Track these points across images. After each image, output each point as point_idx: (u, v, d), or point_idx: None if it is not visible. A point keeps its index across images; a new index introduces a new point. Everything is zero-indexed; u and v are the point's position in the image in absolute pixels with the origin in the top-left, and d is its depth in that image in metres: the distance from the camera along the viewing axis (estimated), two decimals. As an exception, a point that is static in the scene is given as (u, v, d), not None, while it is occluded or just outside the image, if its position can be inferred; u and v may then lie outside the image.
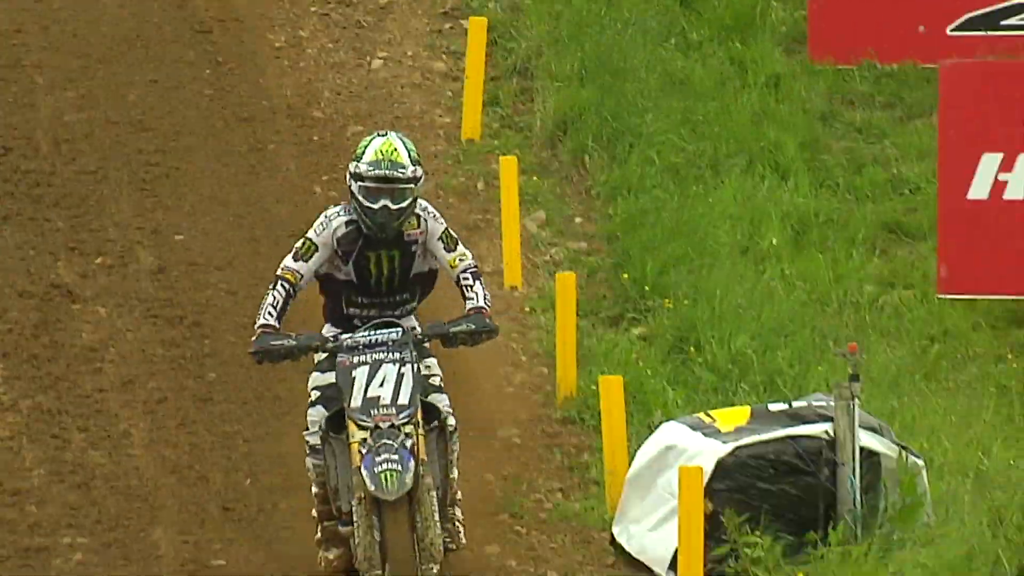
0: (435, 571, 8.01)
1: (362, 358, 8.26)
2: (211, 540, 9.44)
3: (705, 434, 9.08)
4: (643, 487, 9.21)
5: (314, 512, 8.79)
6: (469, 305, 8.55)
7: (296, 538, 9.28)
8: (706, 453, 8.82)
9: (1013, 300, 14.93)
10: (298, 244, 8.55)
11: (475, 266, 8.78)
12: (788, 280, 14.38)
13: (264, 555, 9.30)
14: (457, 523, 8.77)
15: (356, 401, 8.12)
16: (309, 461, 8.71)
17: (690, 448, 8.94)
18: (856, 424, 8.77)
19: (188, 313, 12.89)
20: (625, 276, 13.97)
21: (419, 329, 8.55)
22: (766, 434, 9.15)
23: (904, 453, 9.40)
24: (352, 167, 8.39)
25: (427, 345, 8.79)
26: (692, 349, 12.64)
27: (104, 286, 13.42)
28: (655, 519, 8.94)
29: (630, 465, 9.50)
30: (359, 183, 8.31)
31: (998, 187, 14.68)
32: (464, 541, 8.83)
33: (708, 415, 9.46)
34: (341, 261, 8.38)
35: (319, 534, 8.79)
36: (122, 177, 15.27)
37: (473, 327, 8.49)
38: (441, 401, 8.69)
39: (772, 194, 15.98)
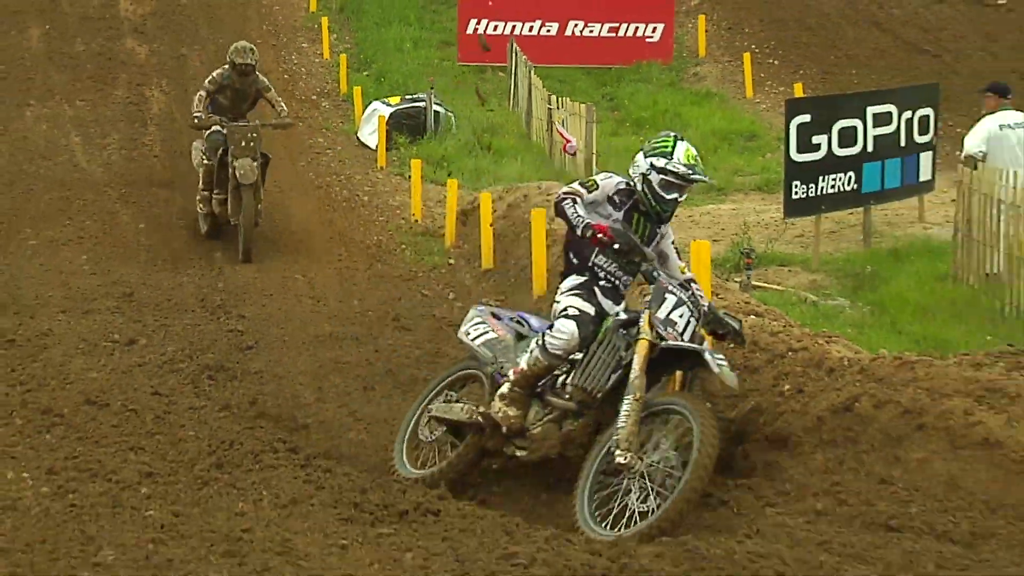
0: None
1: (676, 291, 9.87)
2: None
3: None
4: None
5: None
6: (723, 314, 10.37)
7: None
8: (380, 109, 23.64)
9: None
10: (586, 181, 10.54)
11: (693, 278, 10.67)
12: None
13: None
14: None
15: (661, 314, 9.68)
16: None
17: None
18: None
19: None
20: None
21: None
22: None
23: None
24: (656, 160, 10.02)
25: None
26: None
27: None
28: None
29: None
30: (663, 176, 10.04)
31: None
32: None
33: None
34: (613, 208, 10.21)
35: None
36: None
37: (736, 328, 10.26)
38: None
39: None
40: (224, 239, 17.95)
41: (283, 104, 18.21)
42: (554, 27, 27.20)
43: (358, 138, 23.47)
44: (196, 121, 16.94)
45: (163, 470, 9.71)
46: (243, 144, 15.99)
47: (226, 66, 17.01)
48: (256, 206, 16.63)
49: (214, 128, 16.66)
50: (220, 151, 16.74)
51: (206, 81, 17.42)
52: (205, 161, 16.88)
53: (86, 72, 25.39)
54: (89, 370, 12.67)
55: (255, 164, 16.45)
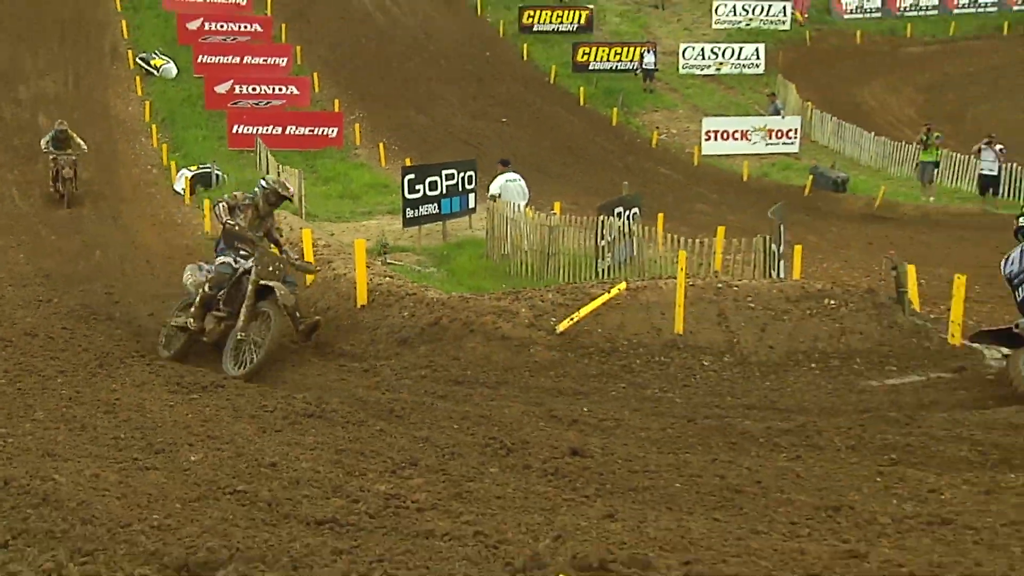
0: None
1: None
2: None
3: None
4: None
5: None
6: None
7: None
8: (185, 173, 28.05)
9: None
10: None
11: None
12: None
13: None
14: None
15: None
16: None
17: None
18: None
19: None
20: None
21: None
22: None
23: None
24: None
25: None
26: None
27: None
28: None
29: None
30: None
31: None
32: None
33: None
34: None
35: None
36: None
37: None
38: None
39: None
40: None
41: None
42: (280, 128, 34.04)
43: (173, 189, 28.97)
44: (236, 229, 13.66)
45: (69, 369, 12.21)
46: (270, 270, 13.27)
47: (257, 189, 14.22)
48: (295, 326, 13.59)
49: (225, 262, 13.86)
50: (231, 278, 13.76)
51: (227, 196, 15.14)
52: (206, 289, 13.69)
53: None
54: (26, 316, 15.48)
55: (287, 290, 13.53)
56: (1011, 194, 32.35)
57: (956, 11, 54.30)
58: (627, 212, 18.39)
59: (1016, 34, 51.81)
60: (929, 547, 6.34)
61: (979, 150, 32.83)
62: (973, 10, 54.39)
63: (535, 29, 49.37)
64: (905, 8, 54.07)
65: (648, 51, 45.98)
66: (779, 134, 40.29)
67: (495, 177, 22.45)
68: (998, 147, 32.51)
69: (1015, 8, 53.50)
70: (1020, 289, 11.60)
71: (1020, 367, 11.13)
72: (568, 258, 18.27)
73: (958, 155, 35.21)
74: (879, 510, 7.11)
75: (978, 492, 7.52)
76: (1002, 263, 12.09)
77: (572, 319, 12.81)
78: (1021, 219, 12.10)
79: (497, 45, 47.26)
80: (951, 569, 5.83)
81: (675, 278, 13.14)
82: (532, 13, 49.76)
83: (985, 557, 6.12)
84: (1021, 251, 11.82)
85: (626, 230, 17.78)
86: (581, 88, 44.38)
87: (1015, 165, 32.65)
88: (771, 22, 52.39)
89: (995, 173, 32.38)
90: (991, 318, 14.32)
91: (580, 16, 50.51)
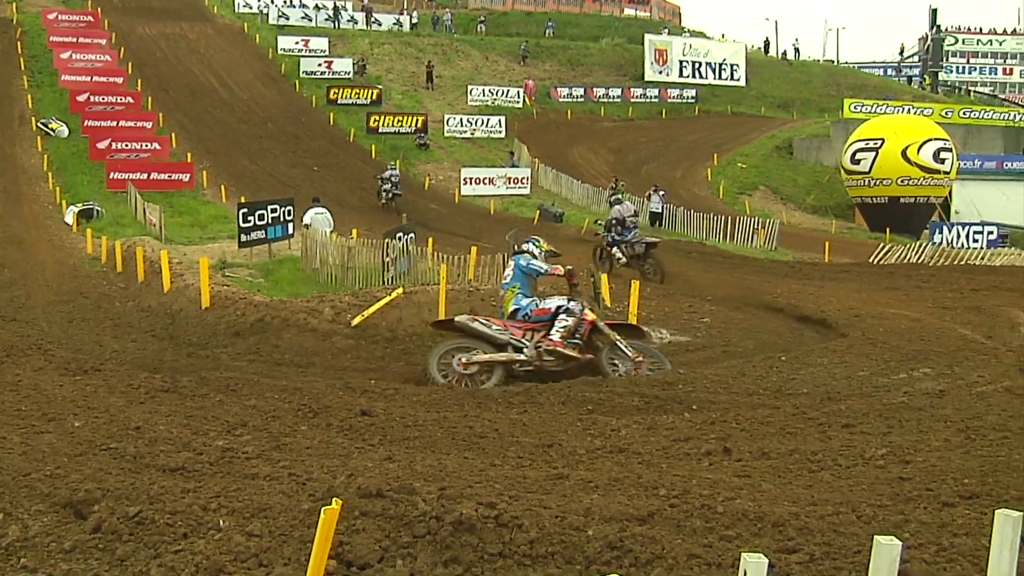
0: None
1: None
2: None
3: None
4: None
5: None
6: None
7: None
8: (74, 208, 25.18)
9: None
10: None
11: None
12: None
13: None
14: None
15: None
16: None
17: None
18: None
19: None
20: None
21: None
22: None
23: None
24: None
25: None
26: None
27: None
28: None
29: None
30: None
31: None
32: None
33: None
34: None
35: None
36: None
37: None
38: None
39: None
40: None
41: None
42: (146, 174, 33.27)
43: (64, 221, 27.86)
44: None
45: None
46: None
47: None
48: None
49: None
50: None
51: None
52: None
53: None
54: None
55: None
56: (671, 225, 34.73)
57: (633, 100, 57.63)
58: (405, 236, 18.44)
59: (669, 118, 56.02)
60: (609, 468, 6.59)
61: (649, 195, 35.87)
62: (644, 100, 57.96)
63: (339, 102, 48.77)
64: (600, 96, 56.75)
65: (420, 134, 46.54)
66: (515, 180, 41.14)
67: (307, 210, 22.36)
68: (661, 193, 35.99)
69: (668, 100, 57.95)
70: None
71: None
72: (362, 271, 18.19)
73: (637, 197, 36.55)
74: (578, 445, 7.33)
75: (643, 429, 7.85)
76: None
77: (364, 315, 12.83)
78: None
79: (310, 113, 46.70)
80: (623, 481, 6.06)
81: (439, 284, 13.27)
82: (337, 90, 49.23)
83: (644, 472, 6.40)
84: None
85: (405, 250, 17.81)
86: (373, 146, 44.22)
87: (672, 206, 35.70)
88: (509, 102, 53.01)
89: (660, 211, 35.12)
90: (658, 309, 14.91)
91: (372, 93, 50.17)
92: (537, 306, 11.02)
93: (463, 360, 10.45)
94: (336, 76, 51.32)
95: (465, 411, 8.65)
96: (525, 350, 10.61)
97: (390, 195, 34.34)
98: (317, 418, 8.19)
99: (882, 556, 3.16)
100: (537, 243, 11.54)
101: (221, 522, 5.15)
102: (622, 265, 19.45)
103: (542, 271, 11.16)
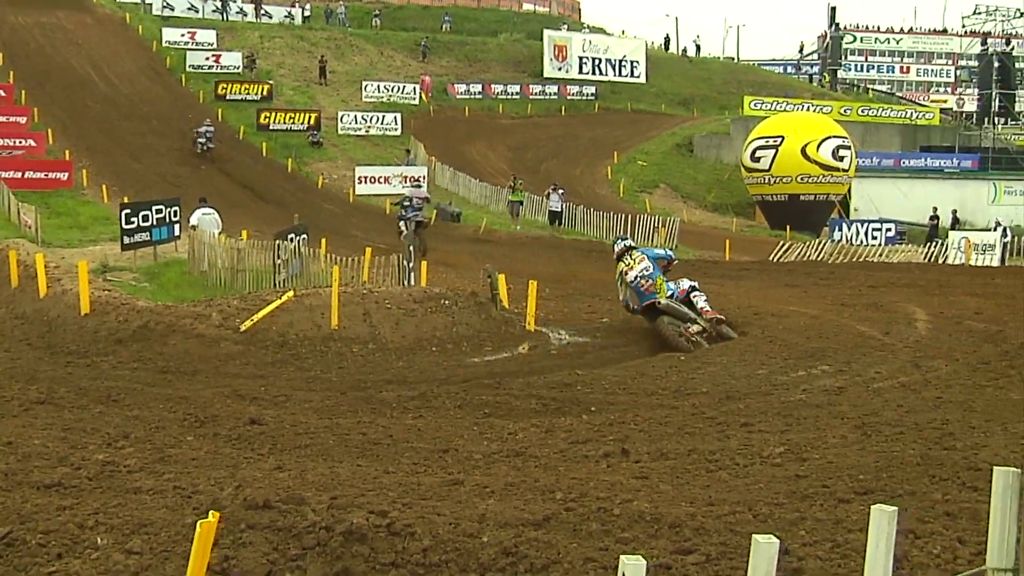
0: None
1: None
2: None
3: None
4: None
5: None
6: None
7: None
8: None
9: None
10: None
11: None
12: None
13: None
14: None
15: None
16: None
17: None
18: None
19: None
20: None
21: None
22: None
23: None
24: None
25: None
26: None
27: None
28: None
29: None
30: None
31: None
32: None
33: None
34: None
35: None
36: None
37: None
38: None
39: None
40: None
41: None
42: (20, 173, 32.18)
43: None
44: None
45: None
46: None
47: None
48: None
49: None
50: None
51: None
52: None
53: None
54: None
55: None
56: (570, 223, 35.01)
57: (532, 97, 57.65)
58: (298, 237, 18.24)
59: (569, 115, 56.51)
60: (506, 472, 6.64)
61: (548, 193, 35.69)
62: (543, 97, 58.05)
63: (228, 98, 47.98)
64: (498, 92, 56.72)
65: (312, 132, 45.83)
66: (412, 179, 40.72)
67: (194, 211, 22.05)
68: (560, 191, 35.64)
69: (568, 97, 58.23)
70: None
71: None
72: (252, 273, 17.91)
73: (535, 196, 37.29)
74: (474, 449, 7.40)
75: (541, 432, 7.95)
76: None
77: (253, 320, 12.68)
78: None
79: (197, 109, 45.64)
80: (519, 486, 6.11)
81: (331, 287, 13.19)
82: (225, 85, 48.42)
83: (542, 475, 6.45)
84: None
85: (297, 251, 17.63)
86: (264, 143, 43.49)
87: (572, 204, 35.77)
88: (405, 98, 52.65)
89: (559, 210, 35.04)
90: (557, 310, 15.01)
91: (263, 88, 49.44)
92: (679, 287, 13.45)
93: (689, 328, 12.83)
94: (225, 71, 50.44)
95: (359, 417, 8.63)
96: (700, 320, 13.00)
97: (205, 147, 38.87)
98: (204, 428, 8.08)
99: (760, 555, 3.23)
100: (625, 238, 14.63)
101: (99, 540, 5.04)
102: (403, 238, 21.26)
103: (671, 256, 14.44)
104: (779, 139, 44.24)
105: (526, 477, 6.38)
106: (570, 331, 13.43)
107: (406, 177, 39.98)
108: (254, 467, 6.82)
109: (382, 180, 40.59)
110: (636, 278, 13.44)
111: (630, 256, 13.73)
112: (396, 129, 48.87)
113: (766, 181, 44.45)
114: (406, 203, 24.91)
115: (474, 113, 53.95)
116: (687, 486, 6.18)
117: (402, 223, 24.68)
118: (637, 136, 53.48)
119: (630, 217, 32.78)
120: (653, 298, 13.26)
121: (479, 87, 56.59)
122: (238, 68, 50.95)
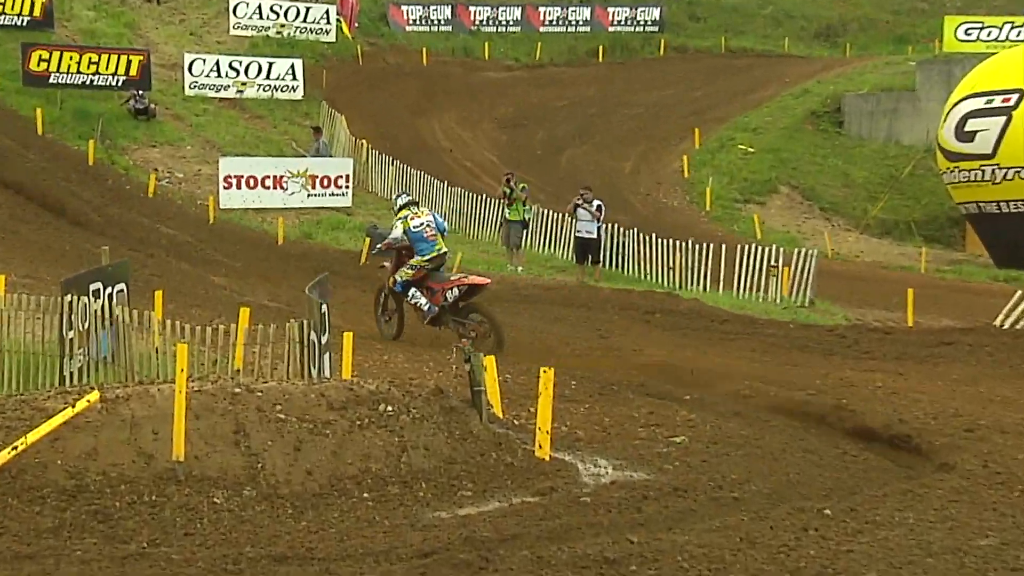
0: None
1: None
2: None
3: None
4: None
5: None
6: None
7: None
8: None
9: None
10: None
11: None
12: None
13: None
14: None
15: None
16: None
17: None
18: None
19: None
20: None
21: None
22: None
23: None
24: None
25: None
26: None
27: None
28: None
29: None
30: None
31: None
32: None
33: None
34: None
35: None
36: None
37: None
38: None
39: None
40: None
41: None
42: None
43: None
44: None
45: None
46: None
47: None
48: None
49: None
50: None
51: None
52: None
53: None
54: None
55: None
56: (614, 259, 23.88)
57: (543, 29, 40.82)
58: (108, 289, 12.62)
59: (610, 61, 40.30)
60: None
61: (575, 207, 23.46)
62: (563, 29, 40.90)
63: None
64: (481, 22, 39.85)
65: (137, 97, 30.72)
66: (326, 182, 28.04)
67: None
68: (596, 203, 23.38)
69: (611, 29, 40.06)
70: None
71: None
72: (18, 357, 12.17)
73: (549, 212, 26.13)
74: None
75: None
76: None
77: (15, 448, 8.39)
78: None
79: None
80: None
81: (174, 382, 8.95)
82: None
83: None
84: None
85: (106, 315, 11.90)
86: (39, 110, 28.86)
87: (617, 226, 24.20)
88: (310, 31, 37.10)
89: (594, 236, 23.23)
90: (592, 419, 10.88)
91: (32, 5, 32.76)
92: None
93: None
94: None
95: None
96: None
97: None
98: None
99: None
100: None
101: None
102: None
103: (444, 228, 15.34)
104: (1015, 96, 28.51)
105: None
106: (616, 461, 9.73)
107: (315, 178, 28.24)
108: None
109: (269, 183, 27.76)
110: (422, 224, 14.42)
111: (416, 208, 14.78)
112: (295, 88, 34.00)
113: (987, 177, 29.19)
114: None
115: (438, 59, 38.93)
116: None
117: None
118: (736, 99, 38.09)
119: (724, 249, 22.47)
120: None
121: (447, 11, 40.33)
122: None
